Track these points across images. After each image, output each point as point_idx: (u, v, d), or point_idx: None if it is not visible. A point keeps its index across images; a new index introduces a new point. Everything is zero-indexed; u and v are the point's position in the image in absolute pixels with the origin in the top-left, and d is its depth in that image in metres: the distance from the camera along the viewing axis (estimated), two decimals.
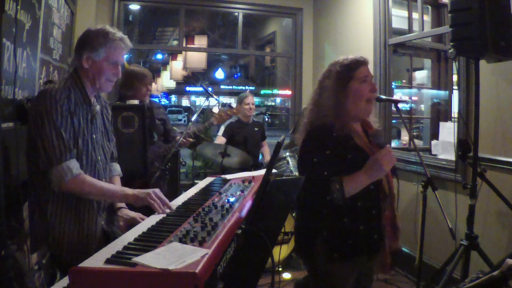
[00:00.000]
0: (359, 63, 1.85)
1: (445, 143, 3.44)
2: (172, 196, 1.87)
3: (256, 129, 4.42)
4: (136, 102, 3.27)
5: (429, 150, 3.91)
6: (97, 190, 1.64)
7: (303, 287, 2.34)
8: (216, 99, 4.04)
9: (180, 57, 10.51)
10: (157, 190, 1.64)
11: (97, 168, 1.76)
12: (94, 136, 1.77)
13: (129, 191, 1.67)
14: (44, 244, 1.69)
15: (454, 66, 3.01)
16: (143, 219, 1.68)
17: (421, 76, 4.95)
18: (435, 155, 3.52)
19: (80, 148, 1.68)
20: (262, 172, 2.15)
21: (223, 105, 4.08)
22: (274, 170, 3.64)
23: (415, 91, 5.03)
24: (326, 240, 1.77)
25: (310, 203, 1.81)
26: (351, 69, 1.82)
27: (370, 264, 1.90)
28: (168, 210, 1.59)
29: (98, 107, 1.83)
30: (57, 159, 1.57)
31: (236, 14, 5.36)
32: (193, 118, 3.26)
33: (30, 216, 1.75)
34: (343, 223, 1.76)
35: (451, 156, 3.18)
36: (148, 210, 1.65)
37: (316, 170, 1.73)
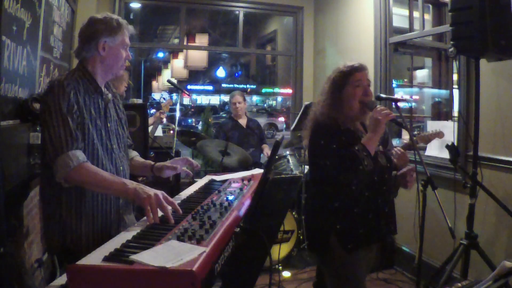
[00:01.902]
0: (354, 69, 2.01)
1: (445, 142, 3.43)
2: (172, 194, 1.86)
3: (252, 131, 4.42)
4: (139, 101, 3.30)
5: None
6: (98, 180, 1.56)
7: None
8: (188, 95, 4.16)
9: (181, 56, 10.53)
10: (160, 194, 1.49)
11: (113, 157, 1.74)
12: (109, 125, 1.75)
13: (130, 185, 1.54)
14: (59, 245, 1.65)
15: (455, 65, 3.00)
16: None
17: (422, 75, 4.95)
18: (435, 154, 3.52)
19: (94, 139, 1.65)
20: (261, 171, 2.15)
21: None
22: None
23: (416, 90, 5.03)
24: (340, 233, 1.94)
25: (341, 179, 1.94)
26: (346, 75, 2.01)
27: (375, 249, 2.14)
28: (161, 216, 1.43)
29: (110, 96, 1.81)
30: (63, 148, 1.54)
31: (237, 12, 5.35)
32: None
33: (44, 222, 1.72)
34: (354, 214, 1.94)
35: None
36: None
37: (339, 152, 1.90)
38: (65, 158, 1.54)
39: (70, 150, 1.55)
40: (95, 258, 1.07)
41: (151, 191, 1.49)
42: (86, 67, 1.71)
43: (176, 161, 1.94)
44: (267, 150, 4.44)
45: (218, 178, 2.08)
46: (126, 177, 1.82)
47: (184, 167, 1.95)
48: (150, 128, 3.83)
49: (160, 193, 1.49)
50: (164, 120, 3.87)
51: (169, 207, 1.45)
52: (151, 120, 3.99)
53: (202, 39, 10.23)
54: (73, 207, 1.64)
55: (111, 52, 1.70)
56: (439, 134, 2.52)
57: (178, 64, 10.75)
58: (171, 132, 4.38)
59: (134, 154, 2.04)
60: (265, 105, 22.93)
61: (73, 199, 1.64)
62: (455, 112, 3.47)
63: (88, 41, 1.69)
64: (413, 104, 5.27)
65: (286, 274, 3.48)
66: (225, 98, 22.53)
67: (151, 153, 3.75)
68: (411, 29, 4.01)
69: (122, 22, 1.73)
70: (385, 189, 2.04)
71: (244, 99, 4.44)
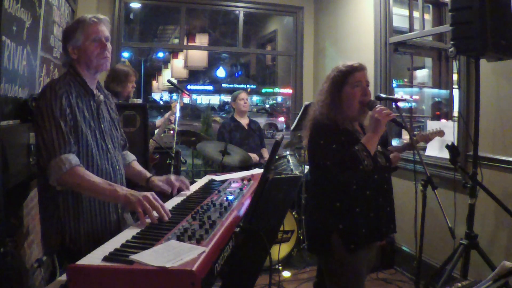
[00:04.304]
0: (353, 69, 2.01)
1: (445, 142, 3.43)
2: (172, 194, 1.86)
3: (254, 132, 4.41)
4: (139, 101, 3.31)
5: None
6: (90, 184, 1.56)
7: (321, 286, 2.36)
8: (188, 95, 4.18)
9: (181, 56, 10.53)
10: (150, 195, 1.50)
11: (109, 157, 1.75)
12: (102, 126, 1.77)
13: (121, 191, 1.55)
14: (57, 245, 1.66)
15: (455, 65, 3.00)
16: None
17: (422, 75, 4.95)
18: (435, 154, 3.52)
19: (89, 140, 1.67)
20: (261, 171, 2.15)
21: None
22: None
23: (416, 90, 5.02)
24: (342, 233, 1.94)
25: (342, 181, 1.95)
26: (346, 74, 2.01)
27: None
28: (156, 218, 1.42)
29: (101, 97, 1.83)
30: (56, 151, 1.55)
31: (237, 12, 5.35)
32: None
33: (42, 224, 1.73)
34: (355, 213, 1.94)
35: None
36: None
37: (339, 152, 1.90)
38: (58, 161, 1.55)
39: (63, 154, 1.56)
40: (95, 258, 1.07)
41: (140, 194, 1.51)
42: (75, 69, 1.74)
43: (170, 181, 1.86)
44: (266, 155, 4.42)
45: (218, 178, 2.08)
46: (122, 176, 1.84)
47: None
48: (156, 130, 3.82)
49: (149, 194, 1.51)
50: (173, 120, 3.84)
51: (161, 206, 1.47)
52: (159, 122, 3.99)
53: (202, 39, 10.24)
54: (70, 208, 1.64)
55: (80, 52, 1.72)
56: (440, 133, 2.52)
57: (178, 64, 10.74)
58: (171, 132, 4.38)
59: (131, 158, 2.04)
60: (266, 104, 22.88)
61: (70, 200, 1.64)
62: (455, 112, 3.47)
63: (64, 50, 1.77)
64: (413, 104, 5.27)
65: (286, 274, 3.48)
66: (225, 98, 22.51)
67: (156, 155, 3.75)
68: (411, 29, 4.01)
69: (84, 18, 1.73)
70: (386, 188, 2.05)
71: None
